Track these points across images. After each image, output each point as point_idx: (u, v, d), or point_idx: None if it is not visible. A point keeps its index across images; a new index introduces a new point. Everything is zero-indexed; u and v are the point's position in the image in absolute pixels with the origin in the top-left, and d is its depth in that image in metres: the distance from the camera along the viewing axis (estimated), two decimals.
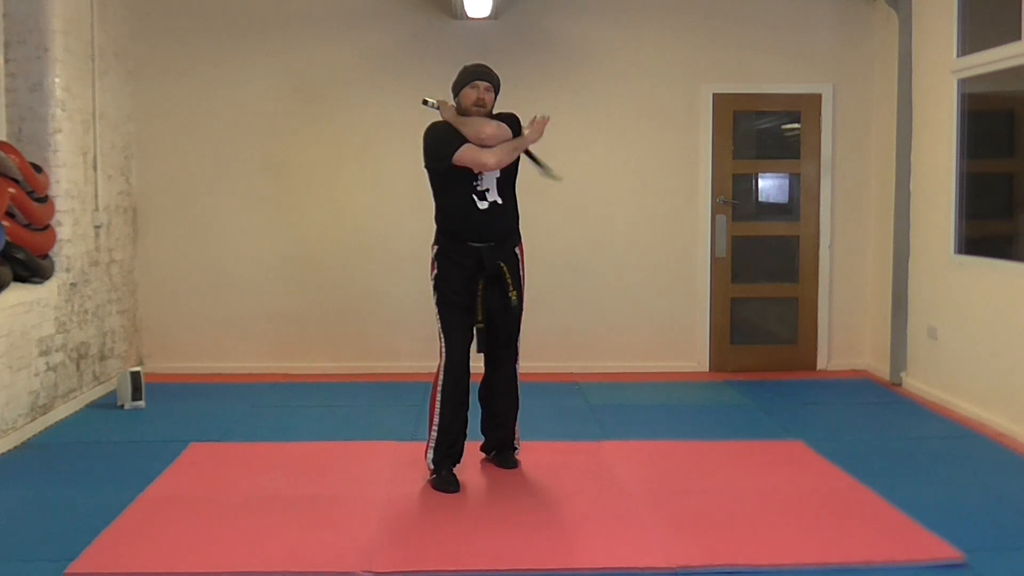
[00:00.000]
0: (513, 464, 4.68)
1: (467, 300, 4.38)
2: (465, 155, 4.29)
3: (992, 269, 5.63)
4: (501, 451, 4.73)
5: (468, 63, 4.56)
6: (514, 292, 4.38)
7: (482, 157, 4.28)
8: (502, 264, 4.39)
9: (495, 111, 4.49)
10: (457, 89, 4.45)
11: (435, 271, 4.45)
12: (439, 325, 4.44)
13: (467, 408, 4.48)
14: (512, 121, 4.45)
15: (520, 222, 4.57)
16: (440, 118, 4.44)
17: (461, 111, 4.41)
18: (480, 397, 4.68)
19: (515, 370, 4.63)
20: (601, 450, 5.07)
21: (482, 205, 4.34)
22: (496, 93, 4.47)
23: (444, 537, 3.83)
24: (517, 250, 4.52)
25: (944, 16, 6.05)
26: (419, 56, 6.94)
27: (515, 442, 4.72)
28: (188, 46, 6.94)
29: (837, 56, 7.10)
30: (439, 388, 4.42)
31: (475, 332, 4.39)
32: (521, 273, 4.53)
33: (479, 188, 4.35)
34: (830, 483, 4.50)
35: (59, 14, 5.73)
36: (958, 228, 5.99)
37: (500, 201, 4.37)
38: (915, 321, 6.51)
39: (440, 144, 4.35)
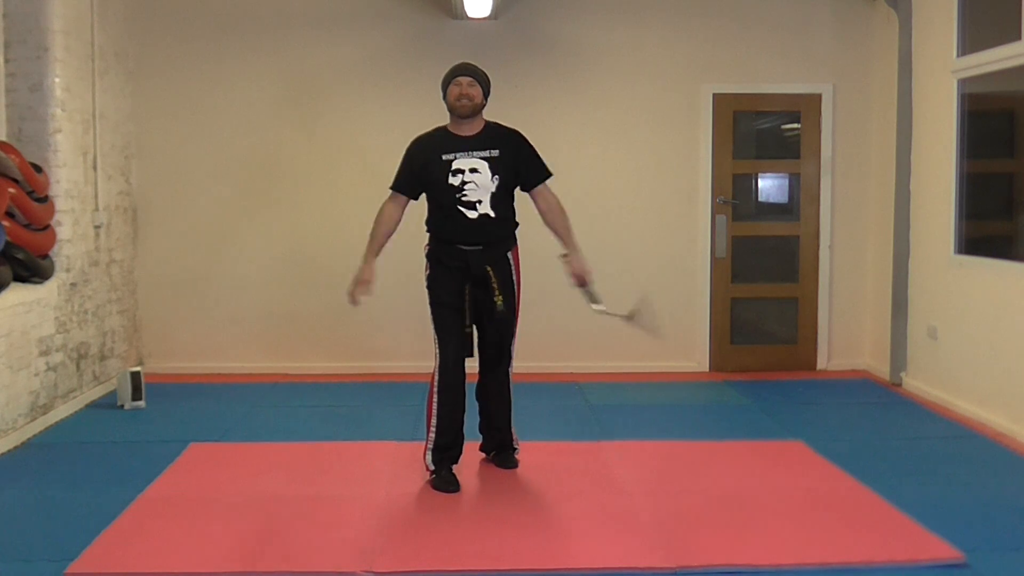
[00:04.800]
0: (513, 464, 4.67)
1: (458, 301, 4.37)
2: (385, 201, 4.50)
3: (992, 269, 5.63)
4: (500, 451, 4.72)
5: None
6: (499, 297, 4.31)
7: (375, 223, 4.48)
8: (489, 268, 4.33)
9: (500, 123, 4.46)
10: (444, 90, 4.42)
11: (427, 271, 4.48)
12: (433, 326, 4.44)
13: (463, 409, 4.46)
14: (517, 142, 4.41)
15: (516, 229, 4.52)
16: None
17: (449, 110, 4.40)
18: (477, 397, 4.68)
19: (507, 373, 4.60)
20: (601, 450, 5.07)
21: (471, 215, 4.31)
22: (484, 88, 4.38)
23: (444, 537, 3.83)
24: (510, 255, 4.46)
25: (944, 16, 6.05)
26: (419, 56, 6.94)
27: (514, 443, 4.71)
28: (188, 46, 6.94)
29: (837, 56, 7.10)
30: (435, 390, 4.41)
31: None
32: (514, 278, 4.46)
33: (464, 199, 4.30)
34: (830, 483, 4.49)
35: (59, 14, 5.72)
36: (958, 228, 5.99)
37: (492, 214, 4.32)
38: (915, 321, 6.51)
39: (399, 170, 4.47)
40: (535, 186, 4.45)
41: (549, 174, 4.47)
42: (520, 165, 4.39)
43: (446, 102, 4.40)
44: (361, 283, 4.41)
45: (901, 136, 6.58)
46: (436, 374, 4.41)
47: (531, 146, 4.46)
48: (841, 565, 3.54)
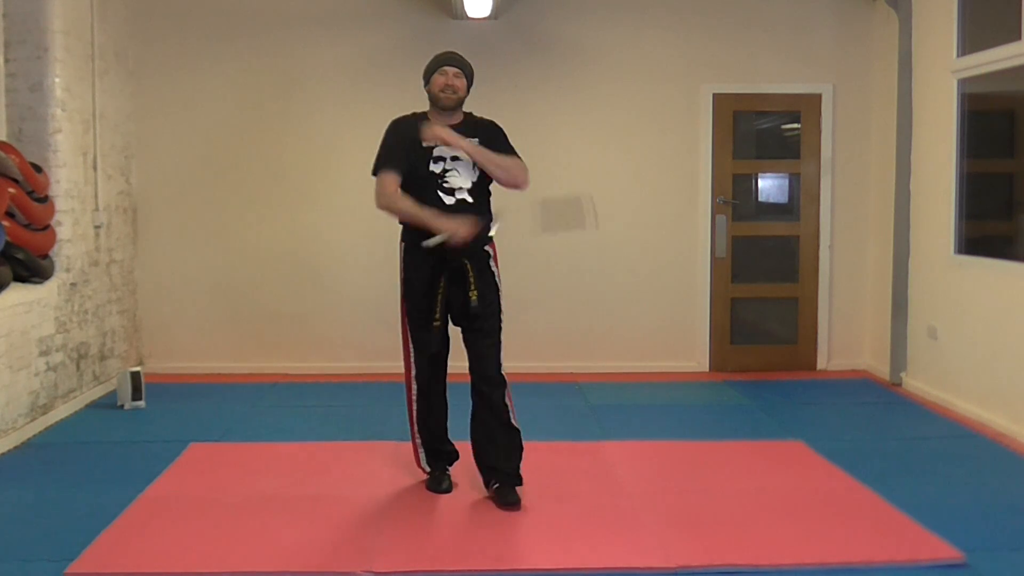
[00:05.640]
0: (515, 500, 4.13)
1: (433, 307, 4.11)
2: (377, 183, 4.15)
3: (992, 269, 5.63)
4: (501, 485, 4.20)
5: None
6: (474, 292, 4.08)
7: (378, 197, 4.13)
8: (466, 261, 4.09)
9: (479, 115, 4.32)
10: (427, 78, 4.26)
11: (402, 273, 4.28)
12: (402, 333, 4.26)
13: (446, 416, 4.33)
14: (493, 130, 4.25)
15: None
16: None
17: (430, 100, 4.23)
18: (471, 429, 4.28)
19: (503, 398, 4.18)
20: (601, 450, 5.07)
21: (448, 200, 4.10)
22: (468, 81, 4.22)
23: (444, 537, 3.84)
24: (489, 248, 4.23)
25: (944, 16, 6.05)
26: (419, 56, 6.80)
27: (520, 462, 4.24)
28: (188, 46, 6.94)
29: (837, 56, 7.10)
30: (412, 400, 4.28)
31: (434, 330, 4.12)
32: (494, 272, 4.23)
33: (445, 185, 4.13)
34: (830, 483, 4.50)
35: (59, 14, 5.73)
36: (958, 228, 5.99)
37: (470, 200, 4.13)
38: (915, 321, 6.51)
39: (384, 150, 4.21)
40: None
41: (519, 157, 4.26)
42: (495, 146, 4.20)
43: (428, 90, 4.23)
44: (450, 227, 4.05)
45: (901, 136, 6.58)
46: (411, 388, 4.27)
47: (505, 135, 4.28)
48: (841, 565, 3.54)
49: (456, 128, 4.18)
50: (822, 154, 7.14)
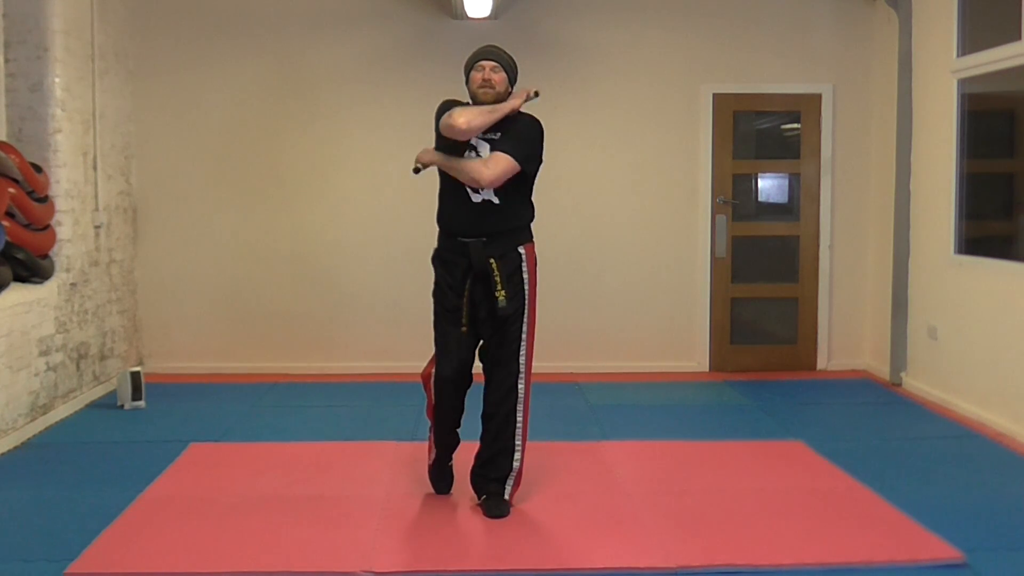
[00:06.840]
0: (502, 512, 4.05)
1: (460, 308, 4.02)
2: (442, 123, 3.92)
3: (992, 269, 5.63)
4: (489, 496, 4.12)
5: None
6: (501, 292, 3.94)
7: (450, 119, 3.87)
8: (492, 261, 3.96)
9: (523, 111, 4.08)
10: (466, 75, 4.07)
11: (435, 276, 4.19)
12: (434, 333, 4.16)
13: (462, 411, 4.20)
14: (518, 126, 3.99)
15: (531, 222, 4.15)
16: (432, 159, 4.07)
17: (471, 97, 4.07)
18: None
19: (515, 410, 4.11)
20: (601, 450, 5.07)
21: (475, 199, 3.96)
22: (509, 74, 4.04)
23: (444, 537, 3.83)
24: (522, 250, 4.06)
25: (944, 16, 6.05)
26: (419, 56, 6.94)
27: (505, 492, 4.11)
28: (188, 46, 6.94)
29: (837, 56, 7.10)
30: (432, 393, 4.18)
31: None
32: (525, 275, 4.05)
33: None
34: (830, 483, 4.50)
35: (59, 14, 5.73)
36: (958, 228, 5.99)
37: (496, 201, 3.95)
38: (915, 321, 6.51)
39: (438, 116, 4.00)
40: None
41: (516, 156, 3.92)
42: (508, 139, 3.97)
43: (468, 89, 4.06)
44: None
45: (901, 136, 6.58)
46: (432, 379, 4.16)
47: (532, 132, 4.03)
48: (841, 565, 3.54)
49: (497, 122, 3.96)
50: (822, 154, 7.14)
